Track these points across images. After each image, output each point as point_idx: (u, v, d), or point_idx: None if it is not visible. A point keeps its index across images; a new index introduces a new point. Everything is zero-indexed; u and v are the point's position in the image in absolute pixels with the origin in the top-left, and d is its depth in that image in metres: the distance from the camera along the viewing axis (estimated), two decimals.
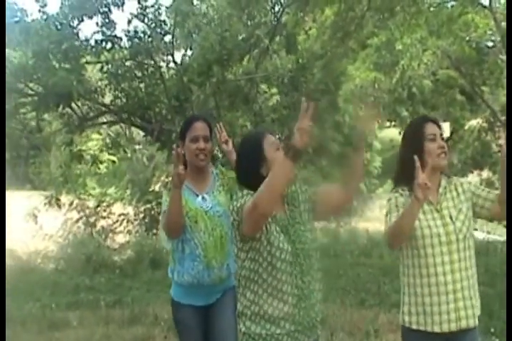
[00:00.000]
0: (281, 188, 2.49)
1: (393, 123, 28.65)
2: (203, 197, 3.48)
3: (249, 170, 2.72)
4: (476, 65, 17.54)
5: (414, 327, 2.97)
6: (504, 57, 16.67)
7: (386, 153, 29.96)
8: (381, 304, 7.11)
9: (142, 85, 13.02)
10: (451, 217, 2.98)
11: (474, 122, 21.04)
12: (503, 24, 16.29)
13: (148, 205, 13.20)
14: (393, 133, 32.48)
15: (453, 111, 20.86)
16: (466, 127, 21.08)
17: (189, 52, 13.58)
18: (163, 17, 12.87)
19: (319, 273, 2.78)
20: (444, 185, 3.05)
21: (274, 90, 16.02)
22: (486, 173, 20.81)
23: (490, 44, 17.57)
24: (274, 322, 2.65)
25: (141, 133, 14.80)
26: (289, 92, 14.96)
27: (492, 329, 5.67)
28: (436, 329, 2.91)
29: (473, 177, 21.55)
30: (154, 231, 12.87)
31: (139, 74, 12.91)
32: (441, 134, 3.02)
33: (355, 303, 7.27)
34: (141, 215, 13.37)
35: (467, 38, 16.50)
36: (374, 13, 14.28)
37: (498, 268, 9.09)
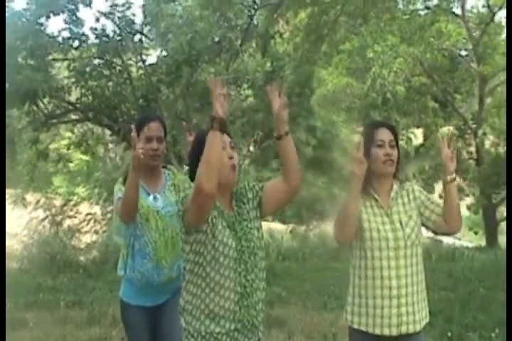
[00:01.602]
0: (216, 162, 2.46)
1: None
2: (154, 197, 3.46)
3: (195, 165, 2.68)
4: (449, 73, 17.74)
5: (355, 326, 2.99)
6: (475, 66, 16.90)
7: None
8: (342, 307, 7.08)
9: (110, 84, 12.89)
10: (401, 223, 2.98)
11: (445, 129, 21.24)
12: (475, 33, 16.53)
13: None
14: None
15: (425, 118, 21.05)
16: (438, 134, 21.27)
17: (158, 52, 13.49)
18: (132, 16, 12.78)
19: (264, 272, 2.74)
20: (395, 190, 3.05)
21: (248, 92, 16.00)
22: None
23: (462, 53, 17.77)
24: (214, 319, 2.62)
25: (108, 133, 14.66)
26: (262, 95, 14.94)
27: (449, 334, 5.70)
28: (377, 331, 2.93)
29: None
30: None
31: (107, 72, 12.79)
32: (391, 141, 3.00)
33: (317, 306, 7.27)
34: (109, 215, 13.23)
35: (440, 46, 16.67)
36: (347, 18, 14.35)
37: (461, 274, 9.17)
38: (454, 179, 2.96)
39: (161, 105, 11.94)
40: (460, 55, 17.88)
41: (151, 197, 3.45)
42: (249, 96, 16.22)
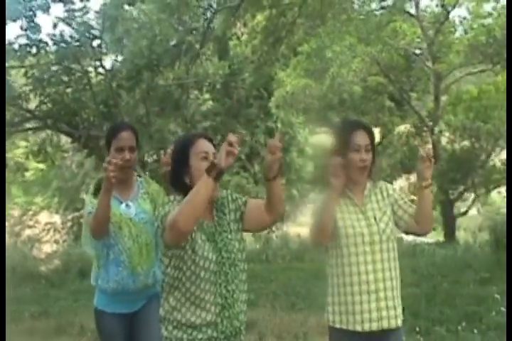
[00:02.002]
0: (200, 207, 2.42)
1: (323, 128, 29.05)
2: (126, 205, 3.43)
3: (175, 175, 2.69)
4: (404, 72, 17.98)
5: (337, 326, 2.97)
6: (430, 64, 17.18)
7: (317, 159, 30.33)
8: (311, 307, 7.12)
9: (69, 90, 12.72)
10: (375, 218, 2.99)
11: (402, 127, 21.51)
12: (430, 32, 16.81)
13: (77, 213, 12.87)
14: (324, 139, 32.93)
15: (382, 117, 21.27)
16: (395, 132, 21.53)
17: (118, 58, 13.36)
18: (91, 21, 12.62)
19: (246, 284, 2.72)
20: (369, 188, 3.06)
21: (206, 96, 15.96)
22: (414, 177, 21.29)
23: (417, 51, 18.04)
24: (196, 328, 2.59)
25: (69, 140, 14.42)
26: (221, 98, 14.93)
27: (417, 329, 5.77)
28: (358, 328, 2.91)
29: (402, 182, 22.02)
30: None
31: (66, 79, 12.63)
32: (367, 145, 2.97)
33: (286, 307, 7.28)
34: (69, 224, 13.04)
35: (395, 46, 16.91)
36: (305, 20, 14.42)
37: (425, 270, 9.29)
38: (430, 184, 2.99)
39: (122, 110, 11.81)
40: (415, 54, 18.14)
41: (123, 205, 3.41)
42: (208, 100, 16.20)
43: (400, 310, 3.00)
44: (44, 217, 13.43)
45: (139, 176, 3.62)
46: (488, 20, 15.68)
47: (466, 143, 17.10)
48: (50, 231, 13.05)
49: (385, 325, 2.93)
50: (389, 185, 3.13)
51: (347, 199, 3.01)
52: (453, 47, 16.22)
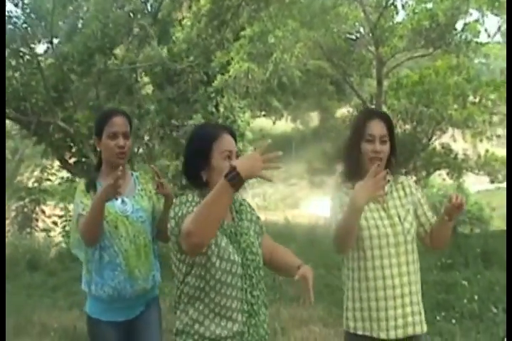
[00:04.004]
0: (218, 219, 2.19)
1: (263, 113, 29.00)
2: (122, 201, 3.15)
3: (192, 169, 2.46)
4: (347, 56, 17.97)
5: (359, 332, 2.81)
6: (373, 49, 17.24)
7: (257, 143, 30.37)
8: (280, 299, 7.02)
9: (17, 75, 12.06)
10: (399, 217, 2.82)
11: (345, 110, 21.65)
12: (372, 16, 16.84)
13: (21, 202, 12.34)
14: (264, 123, 32.95)
15: (325, 101, 21.33)
16: (338, 115, 21.66)
17: (69, 40, 12.69)
18: (40, 2, 11.90)
19: (264, 291, 2.54)
20: (390, 183, 2.89)
21: (146, 80, 15.53)
22: None
23: (360, 35, 18.10)
24: None
25: (16, 127, 13.78)
26: (161, 83, 14.56)
27: None
28: (383, 335, 2.77)
29: None
30: (28, 230, 12.11)
31: (14, 62, 11.95)
32: (382, 136, 2.82)
33: None
34: (13, 213, 12.50)
35: (338, 30, 16.87)
36: (250, 2, 14.17)
37: None
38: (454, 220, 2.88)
39: (73, 95, 11.29)
40: (357, 38, 18.18)
41: (119, 200, 3.12)
42: (148, 84, 15.75)
43: (423, 316, 2.87)
44: None
45: (134, 170, 3.39)
46: (431, 5, 15.79)
47: (408, 126, 17.30)
48: None
49: (410, 331, 2.79)
50: (411, 182, 2.98)
51: None
52: (396, 31, 16.28)
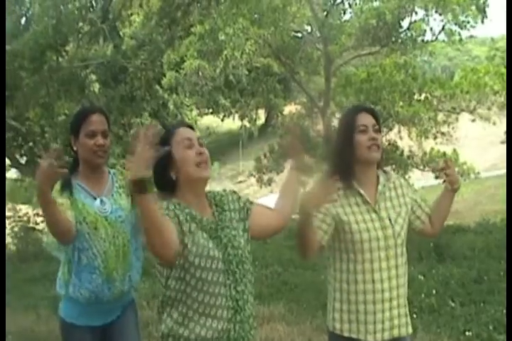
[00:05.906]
0: (158, 226, 2.20)
1: (211, 110, 28.94)
2: (101, 201, 3.07)
3: (158, 170, 2.38)
4: (295, 54, 18.10)
5: (345, 334, 2.81)
6: (321, 46, 17.43)
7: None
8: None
9: None
10: (390, 220, 2.82)
11: (293, 108, 21.78)
12: (320, 15, 17.03)
13: None
14: (211, 120, 32.89)
15: (273, 99, 21.42)
16: (286, 113, 21.76)
17: (20, 37, 12.36)
18: None
19: (253, 286, 2.51)
20: (382, 183, 2.86)
21: (94, 77, 15.33)
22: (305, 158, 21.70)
23: (307, 33, 18.26)
24: None
25: None
26: (109, 81, 14.39)
27: None
28: (370, 338, 2.78)
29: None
30: None
31: None
32: (374, 125, 2.82)
33: None
34: None
35: (286, 28, 16.96)
36: (200, 0, 14.14)
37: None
38: (458, 188, 2.93)
39: (24, 93, 11.00)
40: (305, 36, 18.34)
41: (98, 201, 3.05)
42: (95, 82, 15.54)
43: (409, 317, 2.90)
44: None
45: (111, 168, 3.29)
46: (377, 3, 16.08)
47: None
48: None
49: (395, 333, 2.82)
50: (403, 181, 2.96)
51: (357, 197, 2.81)
52: (343, 29, 16.50)
